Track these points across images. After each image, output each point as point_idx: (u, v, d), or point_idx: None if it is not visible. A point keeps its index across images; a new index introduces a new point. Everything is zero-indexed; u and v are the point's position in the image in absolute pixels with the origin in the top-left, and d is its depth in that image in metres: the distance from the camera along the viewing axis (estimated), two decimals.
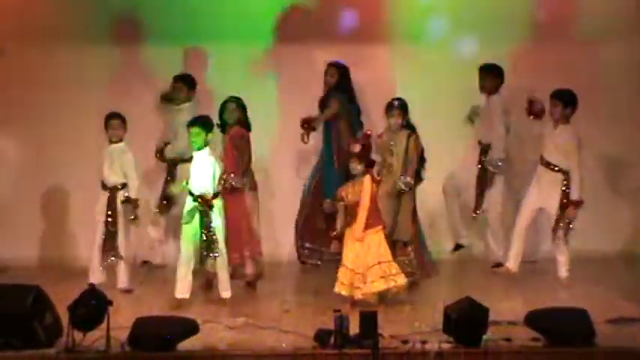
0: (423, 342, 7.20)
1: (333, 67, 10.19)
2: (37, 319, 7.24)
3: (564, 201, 9.32)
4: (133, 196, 9.24)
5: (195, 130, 8.72)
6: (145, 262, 10.42)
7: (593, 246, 10.64)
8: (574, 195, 9.29)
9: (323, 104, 10.19)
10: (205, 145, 8.72)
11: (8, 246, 10.53)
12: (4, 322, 7.19)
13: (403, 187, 9.04)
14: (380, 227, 8.62)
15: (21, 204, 10.71)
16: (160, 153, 10.26)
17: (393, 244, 8.86)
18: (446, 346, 7.17)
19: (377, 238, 8.60)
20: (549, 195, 9.39)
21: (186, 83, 10.27)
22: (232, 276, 9.04)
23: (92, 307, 7.27)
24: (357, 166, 8.65)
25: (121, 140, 9.29)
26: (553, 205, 9.37)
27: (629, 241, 10.79)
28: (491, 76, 10.09)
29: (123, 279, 9.33)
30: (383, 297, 8.57)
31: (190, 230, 8.67)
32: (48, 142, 10.71)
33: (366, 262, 8.54)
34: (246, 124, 9.38)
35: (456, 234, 10.29)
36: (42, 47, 10.67)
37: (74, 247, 10.66)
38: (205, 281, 9.16)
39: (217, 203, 8.70)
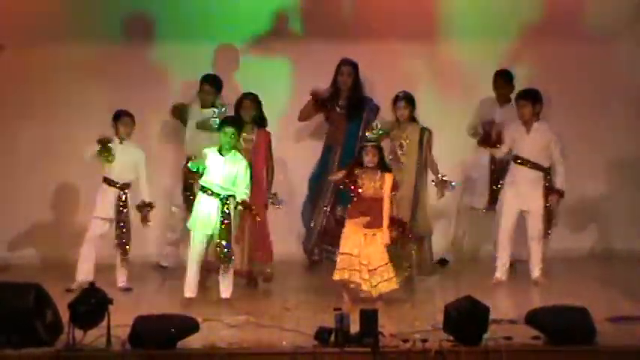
0: (424, 340, 7.19)
1: (349, 65, 10.00)
2: (38, 317, 7.23)
3: (549, 196, 9.30)
4: (147, 199, 9.23)
5: (231, 130, 8.65)
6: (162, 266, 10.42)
7: (593, 244, 10.68)
8: (559, 185, 9.28)
9: (353, 109, 9.98)
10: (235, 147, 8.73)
11: (9, 244, 10.55)
12: (5, 320, 7.19)
13: (452, 185, 9.05)
14: (378, 229, 8.61)
15: (22, 202, 10.70)
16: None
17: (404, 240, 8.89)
18: (446, 344, 7.17)
19: (378, 239, 8.60)
20: (529, 195, 9.37)
21: (213, 85, 10.01)
22: (250, 274, 9.23)
23: (93, 305, 7.27)
24: (372, 159, 8.63)
25: (127, 138, 9.29)
26: (536, 205, 9.36)
27: (629, 239, 10.77)
28: (508, 84, 10.02)
29: (122, 278, 9.33)
30: (381, 295, 8.59)
31: (202, 231, 8.66)
32: (52, 141, 10.71)
33: (373, 262, 8.54)
34: (262, 121, 9.41)
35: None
36: (44, 45, 10.66)
37: (75, 245, 10.63)
38: (205, 271, 9.19)
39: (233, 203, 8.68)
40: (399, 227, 8.67)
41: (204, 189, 8.67)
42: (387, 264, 8.54)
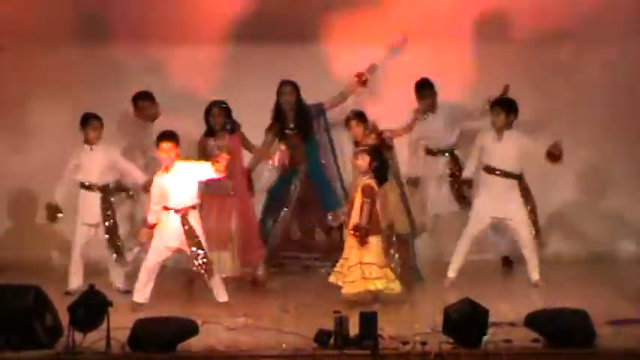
0: (423, 343, 7.19)
1: (289, 85, 9.97)
2: (37, 319, 7.24)
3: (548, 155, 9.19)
4: (141, 182, 9.24)
5: (169, 145, 8.53)
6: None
7: (593, 247, 10.67)
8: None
9: (304, 125, 9.99)
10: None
11: (9, 245, 10.54)
12: (5, 322, 7.19)
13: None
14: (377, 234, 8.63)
15: (21, 204, 10.69)
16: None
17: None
18: (446, 347, 7.17)
19: (372, 241, 8.59)
20: (506, 203, 9.36)
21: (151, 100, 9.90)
22: (243, 278, 9.30)
23: (92, 307, 7.27)
24: (361, 164, 8.64)
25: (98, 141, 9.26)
26: (518, 214, 9.37)
27: (631, 241, 10.77)
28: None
29: (120, 280, 9.32)
30: (377, 297, 8.59)
31: (164, 243, 8.59)
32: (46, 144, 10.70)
33: (350, 261, 8.56)
34: (233, 126, 9.43)
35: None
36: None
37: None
38: (187, 280, 9.22)
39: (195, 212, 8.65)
40: (358, 232, 8.60)
41: (165, 208, 8.60)
42: (359, 264, 8.50)
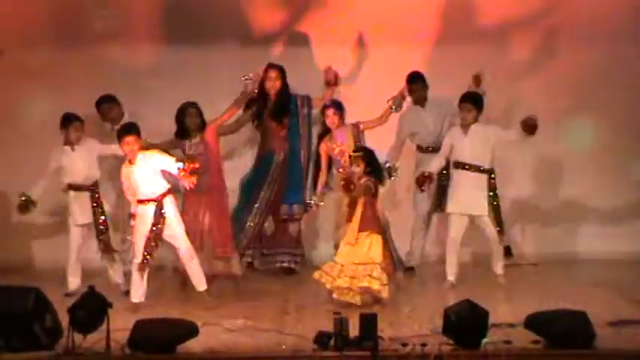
0: (423, 344, 7.19)
1: (276, 69, 9.89)
2: (37, 321, 7.24)
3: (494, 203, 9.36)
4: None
5: (132, 137, 8.54)
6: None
7: (593, 248, 10.67)
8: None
9: (284, 111, 9.90)
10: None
11: (9, 248, 10.54)
12: (5, 323, 7.19)
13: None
14: (371, 232, 8.63)
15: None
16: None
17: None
18: (446, 348, 7.17)
19: (368, 241, 8.61)
20: (475, 198, 9.34)
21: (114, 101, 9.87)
22: (217, 273, 9.23)
23: (92, 309, 7.27)
24: (357, 168, 8.67)
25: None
26: (483, 207, 9.34)
27: (629, 242, 10.77)
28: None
29: (119, 276, 9.31)
30: (378, 299, 8.60)
31: (142, 232, 8.61)
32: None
33: (351, 261, 8.57)
34: (204, 126, 9.38)
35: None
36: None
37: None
38: (181, 280, 9.22)
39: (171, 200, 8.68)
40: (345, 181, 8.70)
41: (139, 201, 8.63)
42: (361, 264, 8.53)
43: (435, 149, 9.83)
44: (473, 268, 10.22)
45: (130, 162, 8.60)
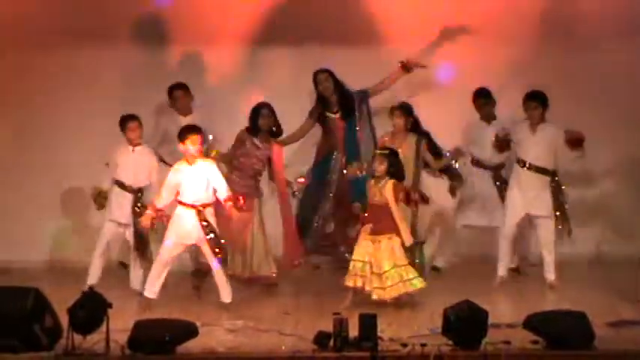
0: (423, 345, 7.19)
1: (324, 72, 9.99)
2: (36, 322, 7.24)
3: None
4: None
5: (198, 137, 8.60)
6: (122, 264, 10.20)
7: (594, 249, 10.67)
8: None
9: (346, 105, 9.98)
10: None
11: (8, 248, 10.55)
12: (4, 324, 7.19)
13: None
14: (393, 234, 8.64)
15: (22, 206, 10.69)
16: None
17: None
18: (445, 349, 7.17)
19: (391, 244, 8.62)
20: (536, 199, 9.31)
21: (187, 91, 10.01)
22: (253, 281, 9.38)
23: (92, 309, 7.27)
24: (379, 167, 8.67)
25: (140, 142, 9.28)
26: (543, 208, 9.31)
27: (629, 243, 10.77)
28: (489, 101, 9.88)
29: (137, 282, 9.22)
30: (398, 299, 8.62)
31: (179, 241, 8.63)
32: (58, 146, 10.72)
33: (382, 266, 8.56)
34: (278, 130, 9.55)
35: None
36: (42, 49, 10.65)
37: (74, 250, 10.62)
38: (196, 270, 9.24)
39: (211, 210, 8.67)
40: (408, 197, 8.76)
41: (180, 202, 8.65)
42: (395, 267, 8.56)
43: (488, 167, 9.87)
44: (473, 268, 10.23)
45: (188, 161, 8.60)
